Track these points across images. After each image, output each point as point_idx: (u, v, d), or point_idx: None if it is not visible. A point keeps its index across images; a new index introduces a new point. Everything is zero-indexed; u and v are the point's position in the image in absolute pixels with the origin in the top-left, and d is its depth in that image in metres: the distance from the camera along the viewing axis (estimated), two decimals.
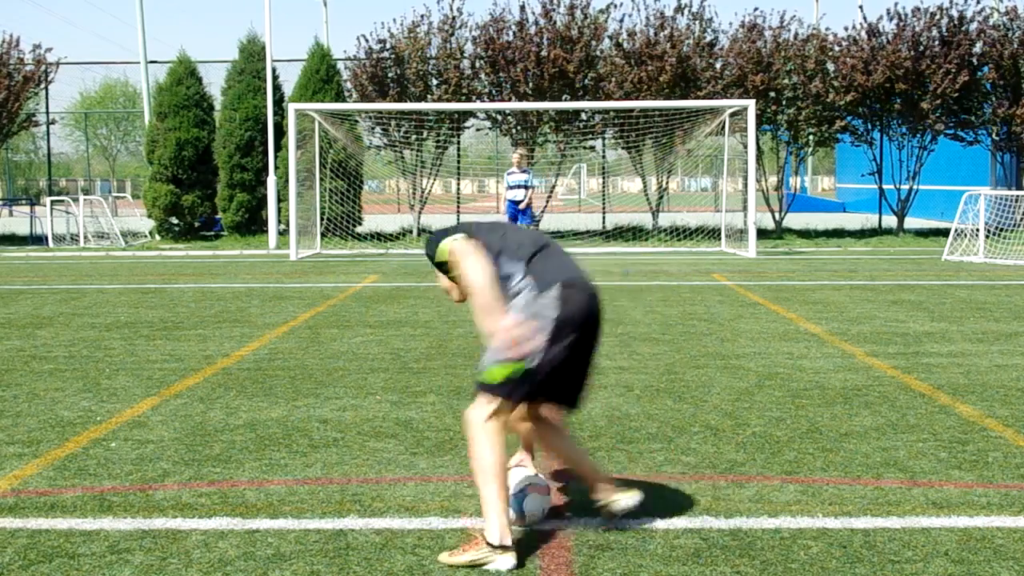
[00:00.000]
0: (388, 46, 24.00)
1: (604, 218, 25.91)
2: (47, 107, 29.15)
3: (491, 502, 3.88)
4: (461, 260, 4.09)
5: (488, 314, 4.01)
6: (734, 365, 7.80)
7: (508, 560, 3.81)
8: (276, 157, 22.85)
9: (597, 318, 4.12)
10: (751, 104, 20.06)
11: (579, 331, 4.02)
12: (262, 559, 3.92)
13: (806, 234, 24.85)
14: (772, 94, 23.56)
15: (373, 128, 24.73)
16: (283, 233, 22.20)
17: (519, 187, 19.17)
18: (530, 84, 23.62)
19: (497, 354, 3.93)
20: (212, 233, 25.29)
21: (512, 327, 3.93)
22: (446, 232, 4.20)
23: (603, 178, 26.73)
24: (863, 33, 24.05)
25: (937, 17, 23.52)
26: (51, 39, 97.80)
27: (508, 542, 3.83)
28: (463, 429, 4.18)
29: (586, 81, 23.73)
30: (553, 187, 26.82)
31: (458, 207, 26.31)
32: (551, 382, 4.04)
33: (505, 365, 3.91)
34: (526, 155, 20.50)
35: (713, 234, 22.47)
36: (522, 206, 19.13)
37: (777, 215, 25.12)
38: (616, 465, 5.13)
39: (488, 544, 3.81)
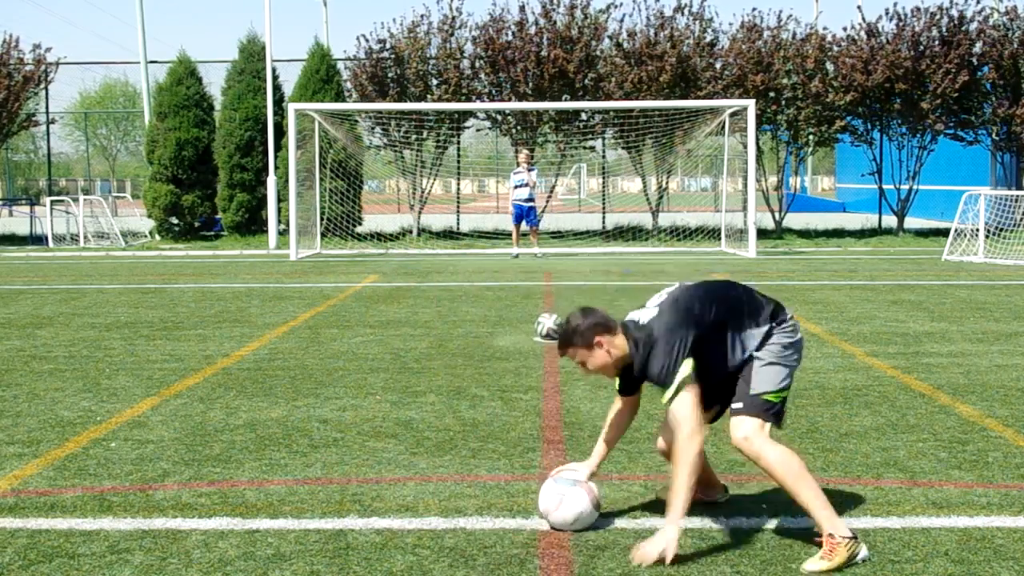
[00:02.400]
0: (388, 46, 24.00)
1: (604, 218, 25.91)
2: (47, 107, 29.14)
3: (816, 501, 3.93)
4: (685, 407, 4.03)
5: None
6: None
7: (862, 545, 3.89)
8: (276, 157, 22.85)
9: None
10: (751, 104, 20.05)
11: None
12: (262, 559, 3.92)
13: (806, 234, 24.84)
14: (772, 94, 23.56)
15: (373, 128, 24.72)
16: (283, 233, 22.19)
17: (524, 186, 19.22)
18: (530, 84, 23.62)
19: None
20: (212, 233, 25.28)
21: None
22: (674, 363, 4.01)
23: (603, 178, 26.72)
24: (862, 33, 24.05)
25: (937, 17, 23.52)
26: (51, 39, 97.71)
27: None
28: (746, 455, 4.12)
29: (586, 81, 23.73)
30: (553, 187, 26.82)
31: (458, 207, 26.31)
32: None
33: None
34: (530, 154, 20.57)
35: (713, 234, 22.47)
36: (527, 204, 19.23)
37: (777, 215, 25.12)
38: (616, 465, 5.13)
39: (844, 538, 3.82)
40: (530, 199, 19.39)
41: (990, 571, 3.78)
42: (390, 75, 24.08)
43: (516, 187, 19.38)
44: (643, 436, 5.69)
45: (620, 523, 4.30)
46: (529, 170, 19.43)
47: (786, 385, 4.22)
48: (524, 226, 19.61)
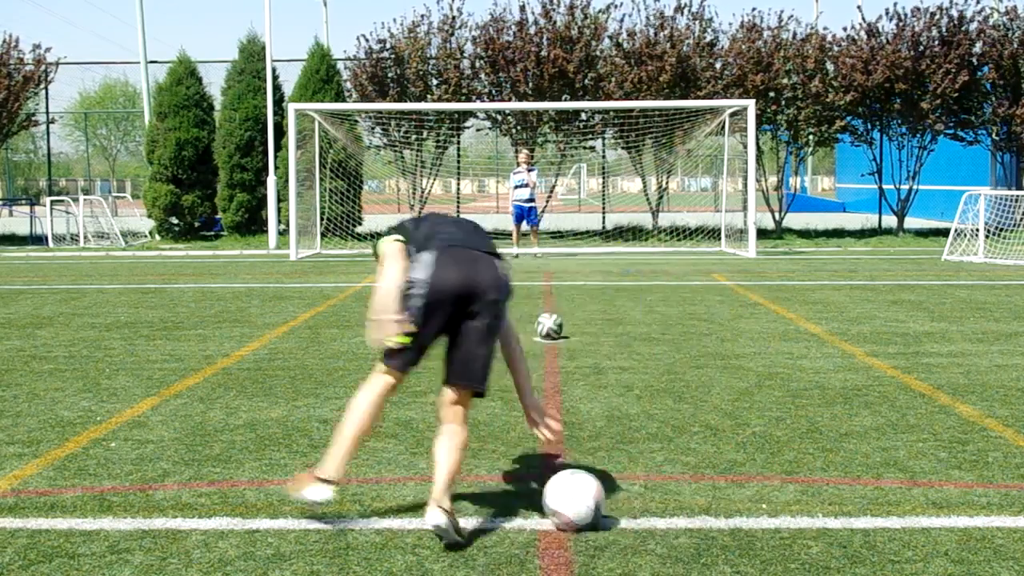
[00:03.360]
0: (388, 46, 24.00)
1: (604, 218, 25.91)
2: (47, 107, 29.14)
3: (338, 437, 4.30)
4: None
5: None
6: (734, 365, 7.80)
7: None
8: (276, 157, 22.85)
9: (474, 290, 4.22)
10: (751, 104, 20.06)
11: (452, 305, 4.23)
12: (262, 559, 3.92)
13: (806, 234, 24.85)
14: (772, 94, 23.56)
15: (373, 128, 24.72)
16: (283, 233, 22.20)
17: (523, 186, 19.22)
18: (530, 84, 23.62)
19: None
20: (212, 233, 25.28)
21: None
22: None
23: (603, 178, 26.72)
24: (862, 33, 24.05)
25: (937, 17, 23.52)
26: (51, 39, 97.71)
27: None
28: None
29: (586, 81, 23.73)
30: (553, 187, 26.82)
31: (458, 207, 26.31)
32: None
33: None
34: (530, 154, 20.55)
35: (713, 234, 22.46)
36: (527, 204, 19.23)
37: (777, 215, 25.12)
38: (616, 465, 5.13)
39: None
40: (530, 199, 19.40)
41: (990, 571, 3.78)
42: (390, 75, 24.08)
43: (516, 187, 19.39)
44: (643, 436, 5.70)
45: (620, 523, 4.30)
46: (529, 170, 19.44)
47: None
48: (524, 226, 19.61)
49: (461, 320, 4.25)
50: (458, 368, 4.29)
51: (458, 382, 4.30)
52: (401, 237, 4.37)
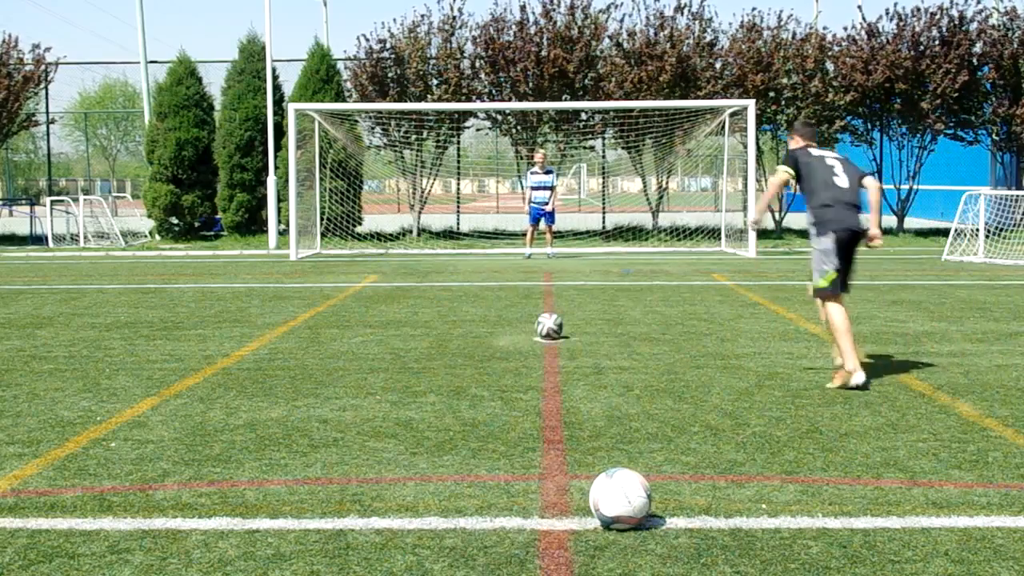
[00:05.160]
0: (388, 46, 24.00)
1: (604, 218, 25.91)
2: (47, 107, 29.15)
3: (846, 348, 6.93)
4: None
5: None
6: (734, 365, 7.81)
7: (861, 375, 6.80)
8: (276, 157, 22.85)
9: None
10: (751, 104, 20.06)
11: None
12: (262, 559, 3.92)
13: (806, 234, 24.78)
14: (772, 94, 23.56)
15: (373, 128, 24.73)
16: (283, 233, 22.20)
17: (544, 188, 19.00)
18: (530, 84, 23.63)
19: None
20: (212, 233, 25.28)
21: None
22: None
23: (603, 178, 26.73)
24: (862, 33, 24.05)
25: (937, 17, 23.53)
26: (50, 39, 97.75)
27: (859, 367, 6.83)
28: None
29: (586, 81, 23.74)
30: (555, 186, 26.78)
31: (458, 207, 26.32)
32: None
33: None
34: (548, 155, 20.37)
35: (713, 234, 22.47)
36: (548, 208, 19.08)
37: (777, 215, 25.12)
38: (616, 465, 5.12)
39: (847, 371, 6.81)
40: (549, 201, 19.15)
41: (990, 571, 3.78)
42: (390, 75, 24.08)
43: (535, 189, 19.05)
44: (643, 436, 5.70)
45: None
46: (546, 172, 19.12)
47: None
48: (541, 225, 19.43)
49: None
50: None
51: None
52: None
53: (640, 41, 23.54)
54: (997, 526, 4.24)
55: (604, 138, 25.29)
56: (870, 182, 7.23)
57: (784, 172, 7.39)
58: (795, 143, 7.50)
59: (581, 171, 44.38)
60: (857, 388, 6.72)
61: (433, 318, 10.59)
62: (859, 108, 24.22)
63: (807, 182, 7.27)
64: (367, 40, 23.97)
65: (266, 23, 23.11)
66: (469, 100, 23.93)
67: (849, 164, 7.27)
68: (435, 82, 24.21)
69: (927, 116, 23.57)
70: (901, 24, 23.66)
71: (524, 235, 20.05)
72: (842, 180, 7.13)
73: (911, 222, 26.28)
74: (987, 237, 18.86)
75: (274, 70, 23.44)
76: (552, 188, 19.04)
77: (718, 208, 23.30)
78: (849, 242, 7.07)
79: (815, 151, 7.36)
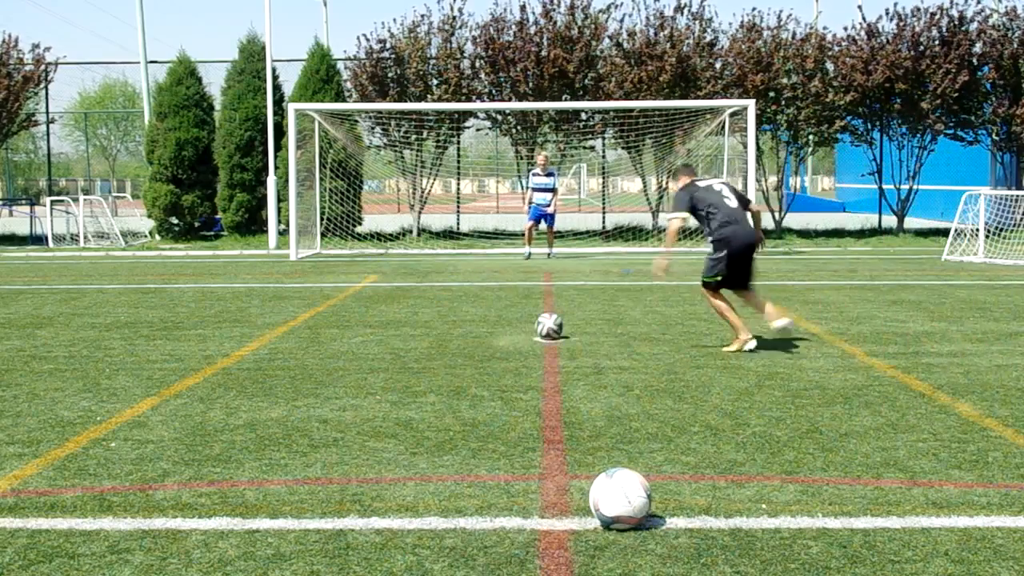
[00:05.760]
0: (388, 46, 23.99)
1: (604, 218, 25.91)
2: (47, 107, 29.14)
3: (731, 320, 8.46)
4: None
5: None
6: (734, 365, 7.81)
7: (753, 341, 8.34)
8: (276, 157, 22.85)
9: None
10: (751, 104, 20.06)
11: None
12: (262, 559, 3.92)
13: (806, 234, 24.85)
14: (772, 94, 23.56)
15: (373, 128, 24.72)
16: (283, 233, 22.19)
17: (546, 190, 18.96)
18: (530, 84, 23.62)
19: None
20: (212, 233, 25.28)
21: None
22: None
23: (603, 178, 26.72)
24: (862, 33, 24.05)
25: (937, 17, 23.52)
26: (50, 39, 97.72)
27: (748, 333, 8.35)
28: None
29: (586, 81, 23.73)
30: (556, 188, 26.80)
31: (458, 207, 26.31)
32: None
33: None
34: (550, 156, 20.34)
35: None
36: (550, 209, 19.02)
37: (777, 215, 25.12)
38: (616, 465, 5.12)
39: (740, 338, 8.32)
40: (550, 203, 19.12)
41: (990, 571, 3.78)
42: (390, 75, 24.08)
43: (536, 190, 19.00)
44: (643, 436, 5.70)
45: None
46: (548, 174, 19.05)
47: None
48: (542, 225, 19.39)
49: None
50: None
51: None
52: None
53: (640, 41, 23.53)
54: (997, 526, 4.24)
55: (604, 138, 25.28)
56: (753, 206, 8.60)
57: (679, 220, 8.54)
58: (681, 183, 8.56)
59: (581, 171, 44.38)
60: (750, 351, 8.25)
61: (433, 318, 10.59)
62: (859, 108, 24.22)
63: (703, 210, 8.39)
64: (367, 40, 23.98)
65: (266, 23, 23.13)
66: (469, 100, 23.93)
67: (733, 187, 8.63)
68: (435, 82, 24.20)
69: (927, 116, 23.57)
70: (901, 24, 23.66)
71: (524, 235, 20.03)
72: (732, 201, 8.38)
73: (911, 222, 26.27)
74: (987, 237, 18.86)
75: (274, 70, 23.44)
76: (553, 190, 19.05)
77: None
78: (743, 253, 8.37)
79: (701, 183, 8.49)
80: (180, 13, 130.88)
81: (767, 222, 24.82)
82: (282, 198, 22.58)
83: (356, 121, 23.84)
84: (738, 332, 8.40)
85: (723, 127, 21.57)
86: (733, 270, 8.43)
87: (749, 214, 8.50)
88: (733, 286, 8.60)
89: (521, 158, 24.56)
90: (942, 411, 6.26)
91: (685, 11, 23.80)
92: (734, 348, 8.36)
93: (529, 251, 19.32)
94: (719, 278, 8.46)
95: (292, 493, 4.71)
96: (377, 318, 10.64)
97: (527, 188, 19.80)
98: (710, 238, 8.41)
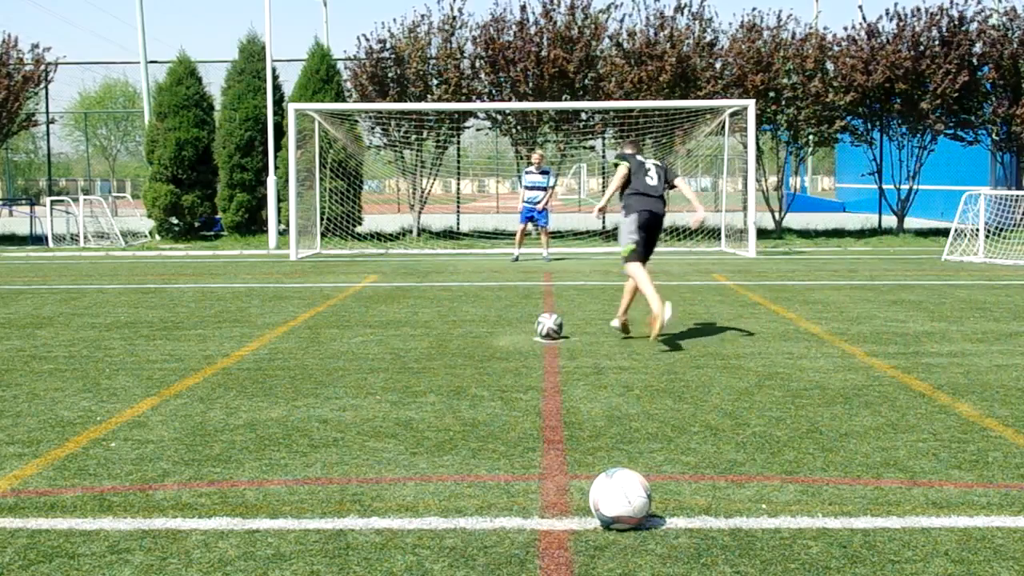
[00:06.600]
0: (388, 46, 24.00)
1: (604, 218, 25.83)
2: (47, 107, 29.14)
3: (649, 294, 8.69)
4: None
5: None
6: (734, 365, 7.81)
7: (669, 309, 8.52)
8: (276, 157, 22.85)
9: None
10: (751, 104, 20.06)
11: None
12: (262, 559, 3.92)
13: (806, 234, 24.85)
14: (772, 94, 23.56)
15: (373, 128, 24.72)
16: (283, 233, 22.20)
17: (538, 188, 18.69)
18: (530, 84, 23.62)
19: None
20: (212, 233, 25.28)
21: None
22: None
23: (603, 178, 26.71)
24: (863, 33, 24.05)
25: (937, 17, 23.52)
26: (50, 39, 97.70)
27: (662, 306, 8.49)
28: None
29: (586, 81, 23.73)
30: (553, 187, 26.77)
31: (458, 207, 26.31)
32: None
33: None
34: (547, 156, 20.22)
35: (713, 234, 22.46)
36: (540, 207, 18.70)
37: (777, 215, 25.13)
38: (616, 465, 5.12)
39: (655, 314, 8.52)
40: (542, 200, 18.87)
41: (990, 571, 3.78)
42: (390, 75, 24.08)
43: (529, 188, 18.74)
44: (643, 436, 5.70)
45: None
46: (542, 172, 18.81)
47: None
48: (530, 227, 19.22)
49: None
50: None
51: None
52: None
53: (640, 41, 23.53)
54: (997, 526, 4.24)
55: (604, 138, 25.28)
56: (679, 181, 9.33)
57: (625, 166, 9.13)
58: (628, 149, 9.38)
59: (581, 171, 44.37)
60: (666, 322, 8.50)
61: (433, 318, 10.59)
62: (859, 108, 24.22)
63: (630, 178, 9.14)
64: (367, 40, 23.97)
65: (266, 23, 23.12)
66: (469, 100, 23.93)
67: (663, 170, 9.21)
68: (435, 82, 24.20)
69: (927, 116, 23.57)
70: (901, 24, 23.66)
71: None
72: (652, 180, 9.05)
73: (911, 222, 26.28)
74: (987, 237, 18.87)
75: (274, 70, 23.44)
76: (547, 188, 18.72)
77: (718, 208, 23.27)
78: (650, 223, 8.97)
79: (640, 158, 9.22)
80: (180, 13, 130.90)
81: (767, 222, 24.84)
82: (282, 198, 22.58)
83: (356, 121, 23.84)
84: (652, 303, 8.66)
85: (723, 127, 21.57)
86: (644, 242, 9.00)
87: (681, 191, 9.42)
88: (643, 259, 9.04)
89: (521, 158, 24.54)
90: (942, 411, 6.26)
91: (685, 11, 23.81)
92: (656, 331, 8.64)
93: (517, 253, 18.93)
94: (635, 246, 8.91)
95: (292, 493, 4.71)
96: (377, 318, 10.64)
97: (521, 187, 19.58)
98: (622, 205, 9.16)
